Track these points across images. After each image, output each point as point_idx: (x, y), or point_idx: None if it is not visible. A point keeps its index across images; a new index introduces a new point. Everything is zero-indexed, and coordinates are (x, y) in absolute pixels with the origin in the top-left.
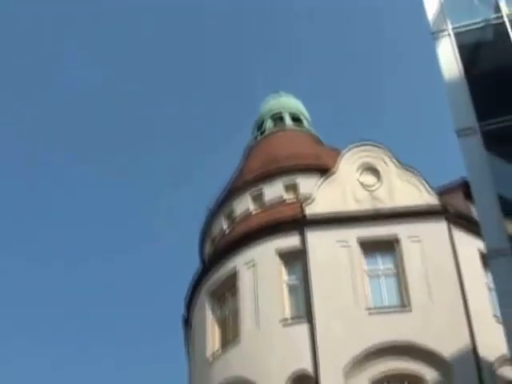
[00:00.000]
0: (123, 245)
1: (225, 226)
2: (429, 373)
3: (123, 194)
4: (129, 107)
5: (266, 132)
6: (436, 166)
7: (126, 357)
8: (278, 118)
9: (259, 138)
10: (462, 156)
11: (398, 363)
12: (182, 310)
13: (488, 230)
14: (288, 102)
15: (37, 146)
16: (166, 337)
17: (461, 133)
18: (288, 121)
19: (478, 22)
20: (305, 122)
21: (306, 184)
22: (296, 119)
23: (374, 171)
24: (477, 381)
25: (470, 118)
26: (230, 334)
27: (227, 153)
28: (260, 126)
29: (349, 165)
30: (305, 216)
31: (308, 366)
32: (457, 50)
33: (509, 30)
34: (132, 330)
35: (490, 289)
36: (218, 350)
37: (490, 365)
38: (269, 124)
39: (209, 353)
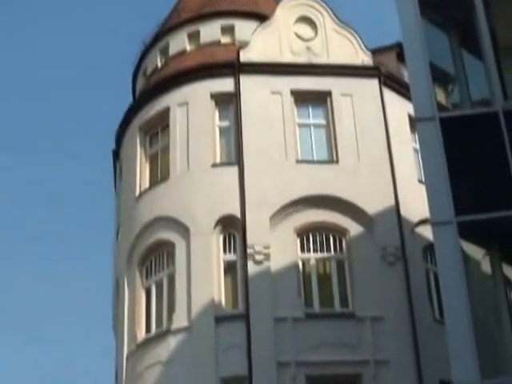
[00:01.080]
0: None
1: (159, 63)
2: (352, 226)
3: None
4: None
5: None
6: (373, 31)
7: (56, 186)
8: None
9: None
10: (398, 19)
11: (323, 215)
12: (112, 145)
13: (417, 94)
14: None
15: None
16: (96, 173)
17: None
18: None
19: None
20: None
21: (243, 29)
22: None
23: (311, 23)
24: (398, 236)
25: None
26: (160, 173)
27: None
28: None
29: (286, 14)
30: (239, 61)
31: (235, 211)
32: None
33: None
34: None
35: (416, 152)
36: (146, 188)
37: (411, 224)
38: None
39: (137, 190)
